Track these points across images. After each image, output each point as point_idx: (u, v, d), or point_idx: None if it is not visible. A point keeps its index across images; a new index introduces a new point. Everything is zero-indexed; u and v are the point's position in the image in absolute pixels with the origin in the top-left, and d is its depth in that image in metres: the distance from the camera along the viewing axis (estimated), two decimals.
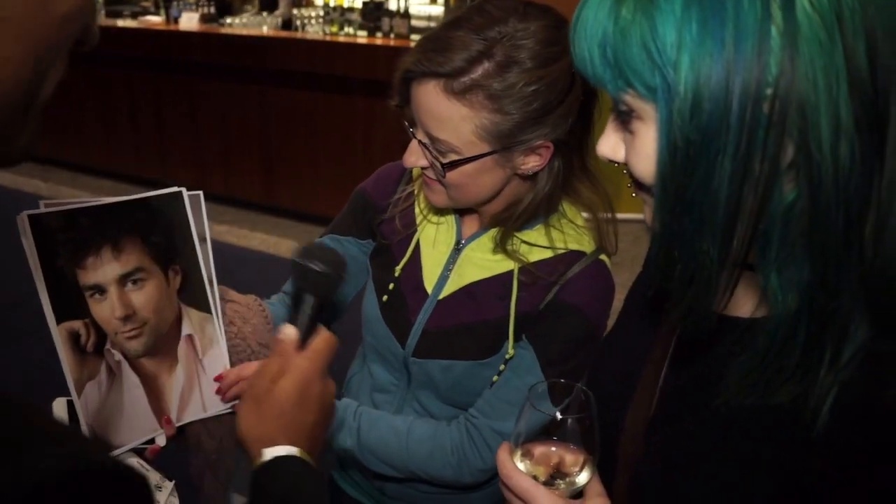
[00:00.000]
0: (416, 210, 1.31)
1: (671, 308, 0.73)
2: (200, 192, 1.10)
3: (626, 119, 0.73)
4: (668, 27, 0.63)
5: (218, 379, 1.12)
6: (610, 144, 0.78)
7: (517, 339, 1.19)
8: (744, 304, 0.78)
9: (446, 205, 1.20)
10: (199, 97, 5.53)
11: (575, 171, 1.19)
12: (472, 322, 1.22)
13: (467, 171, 1.11)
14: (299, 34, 5.68)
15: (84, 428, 1.02)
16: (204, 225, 1.11)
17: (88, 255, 1.01)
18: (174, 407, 1.10)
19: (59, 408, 1.06)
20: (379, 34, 5.42)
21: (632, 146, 0.73)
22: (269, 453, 0.86)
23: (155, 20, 6.38)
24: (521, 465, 0.85)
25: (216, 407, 1.13)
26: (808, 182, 0.62)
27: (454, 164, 1.09)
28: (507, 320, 1.19)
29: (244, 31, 5.59)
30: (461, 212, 1.28)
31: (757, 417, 0.74)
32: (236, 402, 1.09)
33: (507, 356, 1.19)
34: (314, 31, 5.83)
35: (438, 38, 1.06)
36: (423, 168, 1.17)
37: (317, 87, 4.96)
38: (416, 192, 1.32)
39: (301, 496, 0.84)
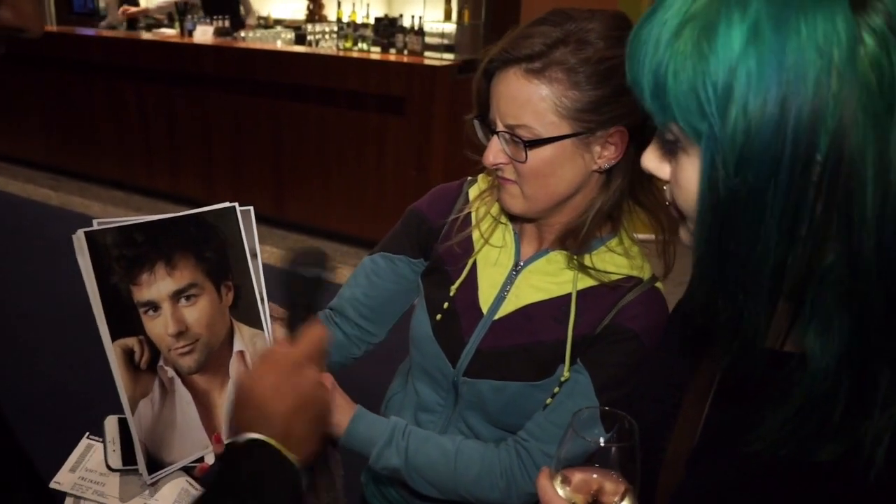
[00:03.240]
0: (476, 235, 1.32)
1: (718, 346, 0.70)
2: (251, 208, 1.10)
3: (671, 147, 0.71)
4: (721, 73, 0.60)
5: None
6: (655, 159, 0.75)
7: (573, 362, 1.20)
8: (795, 339, 0.75)
9: (522, 208, 1.22)
10: (211, 110, 5.54)
11: (642, 176, 1.19)
12: (527, 343, 1.22)
13: (547, 158, 1.14)
14: (312, 49, 5.72)
15: (137, 445, 1.01)
16: (255, 240, 1.11)
17: (143, 271, 1.01)
18: (225, 424, 1.09)
19: (110, 426, 1.06)
20: (392, 50, 5.45)
21: (674, 174, 0.71)
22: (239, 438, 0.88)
23: (169, 33, 6.43)
24: (560, 491, 0.84)
25: None
26: (849, 251, 0.60)
27: (534, 144, 1.13)
28: (563, 343, 1.19)
29: (258, 46, 5.62)
30: (522, 232, 1.29)
31: (797, 470, 0.71)
32: None
33: (563, 379, 1.20)
34: (328, 47, 5.87)
35: (520, 33, 1.15)
36: (498, 172, 1.20)
37: (329, 103, 4.96)
38: (473, 217, 1.33)
39: (258, 475, 0.84)
